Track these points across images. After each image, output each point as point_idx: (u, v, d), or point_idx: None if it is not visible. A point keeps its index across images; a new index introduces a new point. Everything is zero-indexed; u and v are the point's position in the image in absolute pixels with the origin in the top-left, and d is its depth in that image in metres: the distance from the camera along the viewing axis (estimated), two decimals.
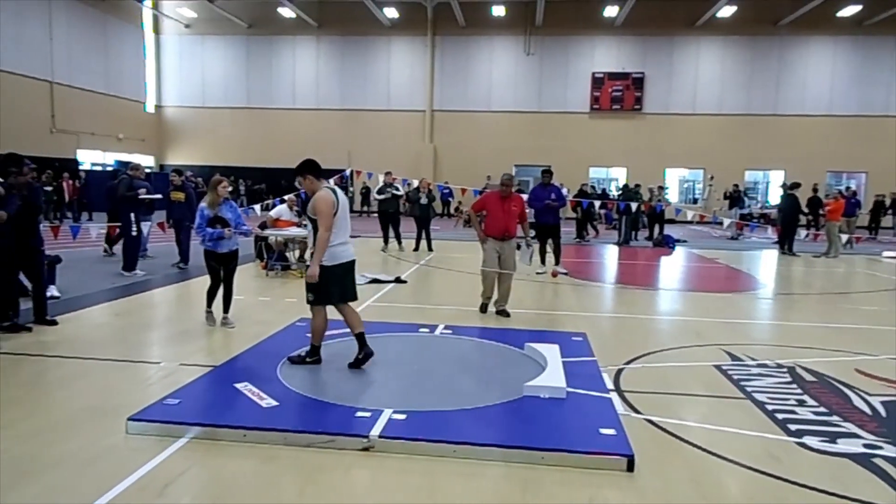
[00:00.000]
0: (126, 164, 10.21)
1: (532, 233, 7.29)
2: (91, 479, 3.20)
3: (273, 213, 11.32)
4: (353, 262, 5.01)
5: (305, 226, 11.06)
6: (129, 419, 3.80)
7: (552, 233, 10.98)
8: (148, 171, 15.58)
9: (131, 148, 28.43)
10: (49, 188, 19.01)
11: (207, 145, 30.52)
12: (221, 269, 6.40)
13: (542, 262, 10.87)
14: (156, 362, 5.22)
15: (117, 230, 10.65)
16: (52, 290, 7.60)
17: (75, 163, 24.49)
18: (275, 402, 4.11)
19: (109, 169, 25.88)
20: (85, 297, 7.82)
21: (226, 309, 6.51)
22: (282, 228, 10.62)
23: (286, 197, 11.90)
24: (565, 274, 10.52)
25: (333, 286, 4.87)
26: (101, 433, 3.75)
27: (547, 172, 11.13)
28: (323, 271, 4.75)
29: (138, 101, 29.47)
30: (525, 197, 10.62)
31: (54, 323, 6.41)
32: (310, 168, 4.92)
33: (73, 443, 3.64)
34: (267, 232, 10.46)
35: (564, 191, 13.44)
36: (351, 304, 5.09)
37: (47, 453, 3.50)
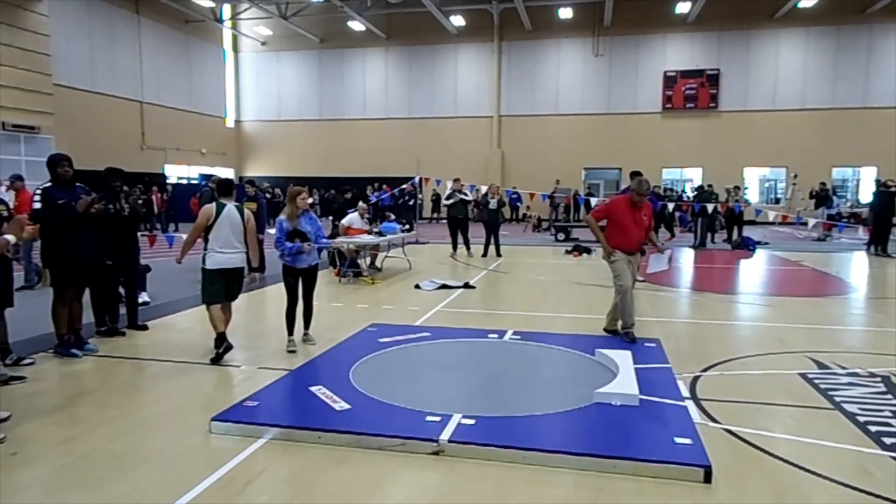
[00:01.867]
0: (208, 178, 10.71)
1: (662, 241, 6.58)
2: (177, 476, 3.37)
3: (345, 221, 11.60)
4: (235, 269, 5.73)
5: (377, 233, 11.30)
6: (213, 419, 3.99)
7: None
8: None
9: (213, 161, 29.89)
10: (141, 200, 20.23)
11: (283, 157, 31.68)
12: (301, 284, 5.90)
13: None
14: (236, 365, 5.45)
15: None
16: (144, 297, 8.07)
17: (163, 177, 25.97)
18: (347, 406, 4.21)
19: (194, 182, 27.30)
20: (172, 303, 8.27)
21: (307, 325, 6.18)
22: (353, 236, 10.87)
23: (359, 205, 12.17)
24: (641, 281, 10.09)
25: (214, 285, 5.65)
26: (187, 432, 3.96)
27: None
28: (205, 274, 5.64)
29: (219, 116, 30.97)
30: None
31: (145, 328, 6.81)
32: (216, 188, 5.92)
33: (161, 440, 3.85)
34: (339, 240, 10.73)
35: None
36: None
37: (139, 450, 3.72)
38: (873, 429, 4.05)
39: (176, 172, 27.82)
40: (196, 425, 4.04)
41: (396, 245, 12.71)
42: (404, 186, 19.14)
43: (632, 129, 27.75)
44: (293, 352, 5.80)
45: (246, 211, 5.89)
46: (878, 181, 16.08)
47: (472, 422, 3.91)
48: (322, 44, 30.56)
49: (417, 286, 9.62)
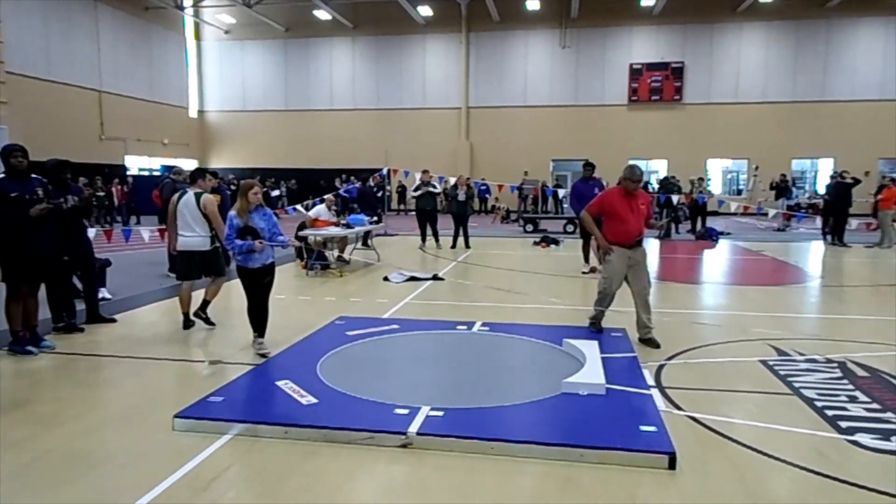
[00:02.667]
0: (170, 169, 10.47)
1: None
2: (140, 475, 3.30)
3: (312, 212, 11.49)
4: (201, 252, 6.39)
5: (343, 225, 11.22)
6: (176, 416, 3.91)
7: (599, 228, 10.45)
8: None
9: (176, 153, 29.23)
10: (101, 193, 19.70)
11: (248, 148, 31.18)
12: (255, 285, 5.46)
13: (586, 259, 10.56)
14: (200, 360, 5.36)
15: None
16: (103, 293, 7.86)
17: (123, 168, 25.30)
18: (314, 400, 4.17)
19: (156, 174, 26.69)
20: (134, 298, 8.08)
21: (259, 331, 5.53)
22: (321, 228, 10.76)
23: (325, 196, 12.06)
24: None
25: (183, 265, 6.46)
26: (149, 430, 3.87)
27: (589, 165, 10.66)
28: (179, 254, 6.47)
29: (182, 106, 30.28)
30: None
31: (113, 321, 6.67)
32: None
33: (122, 439, 3.76)
34: (306, 232, 10.61)
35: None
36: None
37: (99, 449, 3.63)
38: (830, 413, 4.17)
39: (137, 164, 27.14)
40: (159, 423, 3.96)
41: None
42: (372, 177, 19.00)
43: (599, 121, 28.03)
44: (264, 355, 5.35)
45: (205, 196, 6.36)
46: (834, 173, 16.55)
47: (440, 414, 3.91)
48: (287, 33, 30.08)
49: (386, 278, 9.59)
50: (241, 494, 3.14)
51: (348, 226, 11.30)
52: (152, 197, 11.69)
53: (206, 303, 6.57)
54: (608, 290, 5.91)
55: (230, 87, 31.26)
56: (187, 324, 6.51)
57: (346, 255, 11.48)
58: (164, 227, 10.16)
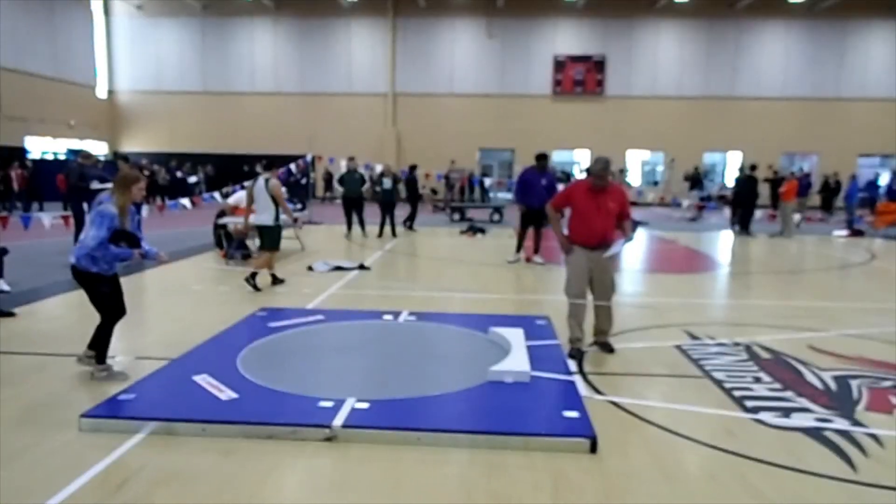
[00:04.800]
0: (77, 153, 9.83)
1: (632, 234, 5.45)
2: (43, 478, 3.09)
3: (231, 200, 11.11)
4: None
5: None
6: (82, 416, 3.68)
7: (538, 219, 10.11)
8: (102, 159, 15.09)
9: (84, 134, 27.45)
10: None
11: (163, 131, 29.68)
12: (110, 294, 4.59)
13: (518, 249, 10.53)
14: (110, 356, 5.06)
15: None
16: (1, 285, 7.31)
17: (23, 151, 23.53)
18: (234, 395, 4.04)
19: (61, 157, 25.01)
20: (36, 290, 7.55)
21: (99, 350, 4.60)
22: (240, 215, 10.39)
23: (246, 184, 11.66)
24: (542, 264, 10.23)
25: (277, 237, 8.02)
26: (53, 430, 3.63)
27: (543, 157, 10.25)
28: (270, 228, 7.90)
29: (90, 85, 28.43)
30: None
31: (12, 314, 6.20)
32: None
33: (24, 440, 3.51)
34: (225, 220, 10.25)
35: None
36: None
37: (0, 451, 3.37)
38: (737, 394, 4.42)
39: (40, 146, 25.31)
40: (64, 422, 3.71)
41: (287, 225, 12.31)
42: (295, 164, 18.50)
43: (524, 111, 28.45)
44: (107, 374, 4.58)
45: (272, 181, 7.86)
46: (741, 168, 17.50)
47: (366, 406, 3.87)
48: (204, 11, 28.77)
49: (310, 268, 9.40)
50: (157, 495, 2.99)
51: None
52: (57, 182, 10.95)
53: (255, 274, 7.85)
54: (568, 293, 5.35)
55: (143, 67, 29.61)
56: (275, 281, 8.11)
57: None
58: (67, 213, 9.56)
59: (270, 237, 7.94)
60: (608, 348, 5.38)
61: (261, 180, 7.96)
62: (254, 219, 8.03)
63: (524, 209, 10.19)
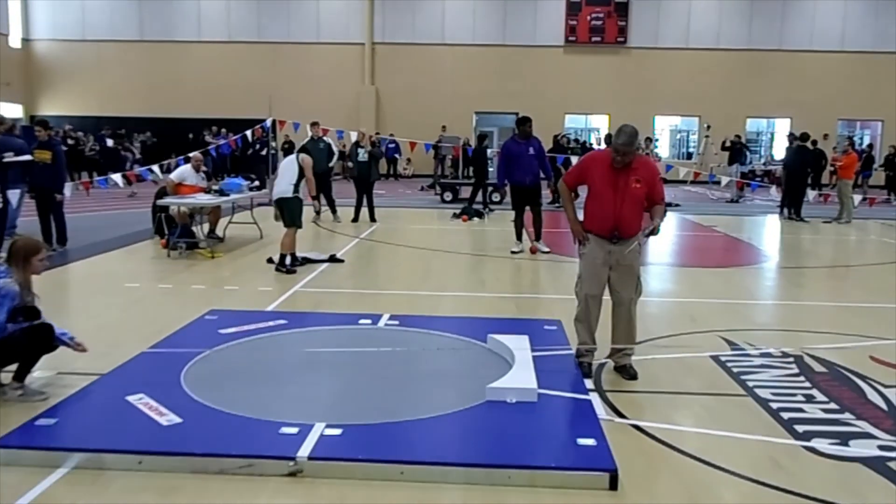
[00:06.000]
0: None
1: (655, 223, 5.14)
2: None
3: (174, 175, 11.02)
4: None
5: (215, 192, 10.83)
6: None
7: (532, 198, 10.27)
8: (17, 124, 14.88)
9: None
10: None
11: (91, 90, 29.40)
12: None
13: (518, 237, 10.57)
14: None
15: None
16: None
17: None
18: (178, 419, 4.02)
19: None
20: None
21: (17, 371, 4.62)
22: (186, 196, 10.34)
23: (192, 155, 11.60)
24: (547, 252, 10.32)
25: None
26: None
27: (524, 120, 10.44)
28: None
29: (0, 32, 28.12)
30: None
31: None
32: None
33: None
34: (167, 200, 10.17)
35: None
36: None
37: None
38: (785, 416, 4.45)
39: None
40: None
41: (244, 207, 12.28)
42: (252, 130, 18.40)
43: (531, 66, 28.38)
44: (22, 393, 4.52)
45: (302, 156, 9.00)
46: (791, 135, 17.55)
47: (338, 432, 3.86)
48: None
49: (271, 260, 9.35)
50: None
51: (222, 192, 10.90)
52: None
53: (283, 256, 8.68)
54: (580, 295, 5.24)
55: (65, 10, 29.25)
56: (294, 263, 8.80)
57: (219, 231, 11.12)
58: None
59: (290, 212, 8.72)
60: (628, 372, 5.12)
61: (292, 155, 9.17)
62: (274, 193, 9.02)
63: (513, 188, 10.31)
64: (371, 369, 5.12)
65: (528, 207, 10.34)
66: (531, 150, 10.08)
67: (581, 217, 5.27)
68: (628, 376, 5.11)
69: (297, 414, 4.10)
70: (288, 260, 8.73)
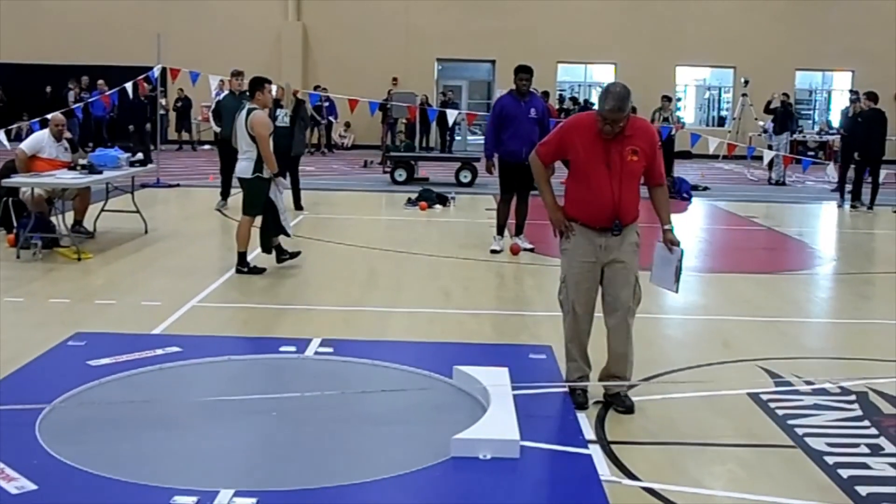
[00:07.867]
0: None
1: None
2: None
3: (25, 144, 10.82)
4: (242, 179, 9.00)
5: (83, 168, 10.67)
6: None
7: (527, 177, 9.98)
8: None
9: None
10: None
11: None
12: None
13: (500, 231, 10.59)
14: None
15: None
16: None
17: None
18: (31, 485, 3.97)
19: None
20: None
21: None
22: (42, 172, 10.20)
23: (50, 116, 11.44)
24: (530, 250, 10.42)
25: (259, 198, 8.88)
26: None
27: (524, 70, 10.32)
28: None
29: None
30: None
31: None
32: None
33: None
34: (15, 180, 10.00)
35: None
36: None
37: None
38: (845, 474, 4.52)
39: None
40: None
41: (122, 190, 12.13)
42: (131, 83, 18.21)
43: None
44: None
45: (255, 113, 8.63)
46: (853, 94, 17.76)
47: (251, 501, 3.85)
48: None
49: (241, 270, 9.18)
50: None
51: (92, 168, 10.74)
52: None
53: (242, 254, 8.88)
54: (566, 304, 5.32)
55: None
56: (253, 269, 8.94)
57: (87, 223, 10.99)
58: None
59: (249, 196, 8.96)
60: (624, 405, 5.22)
61: (243, 112, 8.84)
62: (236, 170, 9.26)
63: (503, 163, 10.26)
64: (295, 415, 5.11)
65: (517, 192, 10.27)
66: (533, 113, 10.06)
67: (562, 202, 5.34)
68: (623, 408, 5.21)
69: (194, 478, 4.09)
70: (251, 259, 8.97)
